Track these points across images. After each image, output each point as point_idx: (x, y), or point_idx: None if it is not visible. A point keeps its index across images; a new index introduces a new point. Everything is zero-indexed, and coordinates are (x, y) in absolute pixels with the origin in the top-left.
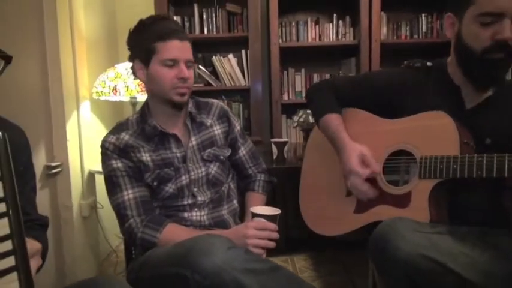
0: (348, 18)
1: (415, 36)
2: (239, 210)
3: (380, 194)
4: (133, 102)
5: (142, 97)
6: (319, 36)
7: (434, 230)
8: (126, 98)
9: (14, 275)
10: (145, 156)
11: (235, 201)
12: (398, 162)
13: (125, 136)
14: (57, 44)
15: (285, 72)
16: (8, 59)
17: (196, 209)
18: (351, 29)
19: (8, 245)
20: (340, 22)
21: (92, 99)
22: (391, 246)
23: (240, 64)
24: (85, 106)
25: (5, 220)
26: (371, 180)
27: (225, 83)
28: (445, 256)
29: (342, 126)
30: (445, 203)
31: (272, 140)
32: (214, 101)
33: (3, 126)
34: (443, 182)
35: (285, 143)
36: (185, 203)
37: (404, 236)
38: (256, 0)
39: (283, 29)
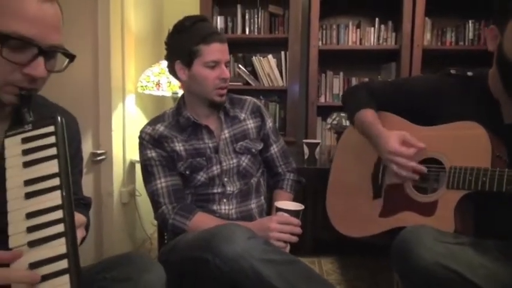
0: (390, 23)
1: (461, 43)
2: (266, 207)
3: (406, 200)
4: (175, 97)
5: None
6: (360, 40)
7: (457, 240)
8: (168, 93)
9: (62, 240)
10: (178, 146)
11: (263, 198)
12: (427, 170)
13: (160, 127)
14: (109, 40)
15: (323, 75)
16: (71, 57)
17: (225, 200)
18: (393, 34)
19: (59, 214)
20: (382, 26)
21: (137, 93)
22: (413, 253)
23: (278, 65)
24: (130, 99)
25: (58, 193)
26: (398, 186)
27: (263, 83)
28: (464, 267)
29: (378, 120)
30: (471, 214)
31: (304, 140)
32: (248, 97)
33: (61, 112)
34: (471, 193)
35: (317, 144)
36: (215, 191)
37: (425, 244)
38: (298, 2)
39: (324, 32)
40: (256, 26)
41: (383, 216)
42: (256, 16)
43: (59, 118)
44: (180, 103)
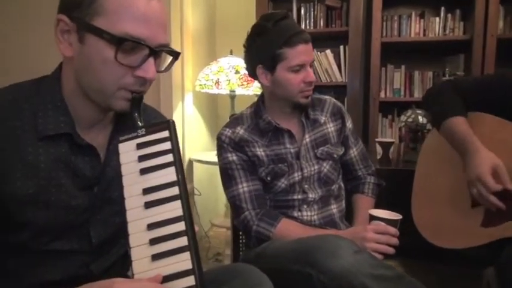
0: (458, 12)
1: None
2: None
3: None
4: (232, 96)
5: (241, 91)
6: (424, 31)
7: None
8: (225, 91)
9: (187, 255)
10: (260, 151)
11: (343, 202)
12: None
13: (240, 130)
14: (169, 39)
15: (383, 69)
16: (175, 55)
17: (305, 206)
18: (461, 23)
19: (181, 226)
20: (449, 16)
21: (195, 92)
22: None
23: (336, 60)
24: (189, 98)
25: (178, 203)
26: (504, 192)
27: (320, 78)
28: None
29: (471, 131)
30: None
31: (377, 139)
32: (327, 97)
33: (158, 116)
34: None
35: (391, 143)
36: (295, 197)
37: None
38: None
39: (384, 24)
40: (312, 20)
41: (486, 225)
42: (312, 10)
43: (171, 122)
44: (259, 105)
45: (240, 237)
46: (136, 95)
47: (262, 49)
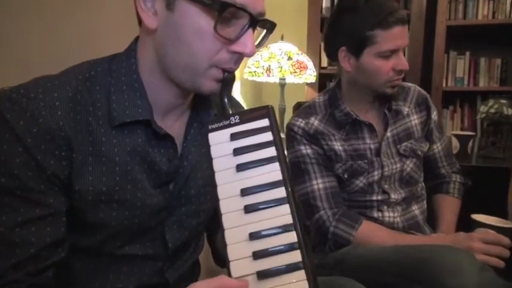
0: None
1: None
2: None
3: None
4: (282, 84)
5: (292, 79)
6: (493, 13)
7: None
8: (275, 79)
9: (301, 274)
10: (337, 145)
11: (425, 203)
12: None
13: (314, 121)
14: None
15: (445, 56)
16: (272, 27)
17: (385, 207)
18: None
19: (291, 237)
20: None
21: (242, 79)
22: None
23: None
24: (236, 86)
25: (286, 207)
26: None
27: None
28: None
29: None
30: None
31: (453, 132)
32: (411, 84)
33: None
34: None
35: (471, 137)
36: (374, 198)
37: None
38: None
39: (448, 6)
40: None
41: None
42: None
43: (270, 108)
44: (336, 92)
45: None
46: (228, 74)
47: (350, 29)
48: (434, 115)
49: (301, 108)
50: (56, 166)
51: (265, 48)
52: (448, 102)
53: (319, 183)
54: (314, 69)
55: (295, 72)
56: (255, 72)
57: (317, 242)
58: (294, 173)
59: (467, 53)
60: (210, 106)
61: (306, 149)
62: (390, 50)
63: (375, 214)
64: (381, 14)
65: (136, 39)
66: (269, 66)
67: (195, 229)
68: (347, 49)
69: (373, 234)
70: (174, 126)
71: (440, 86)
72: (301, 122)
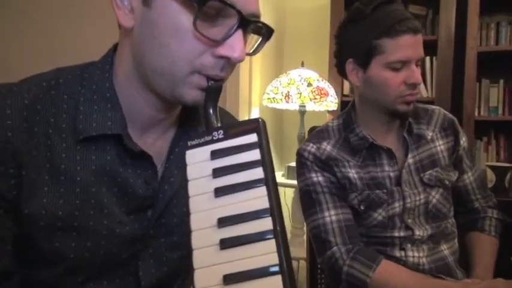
0: None
1: None
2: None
3: None
4: (302, 111)
5: (312, 106)
6: None
7: None
8: (295, 106)
9: None
10: (352, 173)
11: (456, 241)
12: None
13: (327, 146)
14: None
15: (477, 84)
16: (269, 33)
17: (409, 245)
18: None
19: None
20: None
21: (261, 107)
22: None
23: (422, 73)
24: (255, 113)
25: (272, 243)
26: None
27: None
28: None
29: None
30: None
31: (488, 163)
32: (435, 107)
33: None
34: None
35: (508, 168)
36: (396, 234)
37: None
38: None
39: (479, 32)
40: None
41: None
42: None
43: (261, 122)
44: (350, 114)
45: (319, 275)
46: (214, 83)
47: (356, 39)
48: (463, 141)
49: (313, 133)
50: (0, 185)
51: (284, 75)
52: (482, 133)
53: (331, 215)
54: (335, 96)
55: (315, 98)
56: (273, 98)
57: (329, 282)
58: (305, 204)
59: (501, 81)
60: (199, 123)
61: (317, 177)
62: (400, 61)
63: (397, 253)
64: (388, 22)
65: (116, 45)
66: (288, 92)
67: (177, 264)
68: (354, 61)
69: (393, 276)
70: (155, 144)
71: (472, 115)
72: (312, 147)
